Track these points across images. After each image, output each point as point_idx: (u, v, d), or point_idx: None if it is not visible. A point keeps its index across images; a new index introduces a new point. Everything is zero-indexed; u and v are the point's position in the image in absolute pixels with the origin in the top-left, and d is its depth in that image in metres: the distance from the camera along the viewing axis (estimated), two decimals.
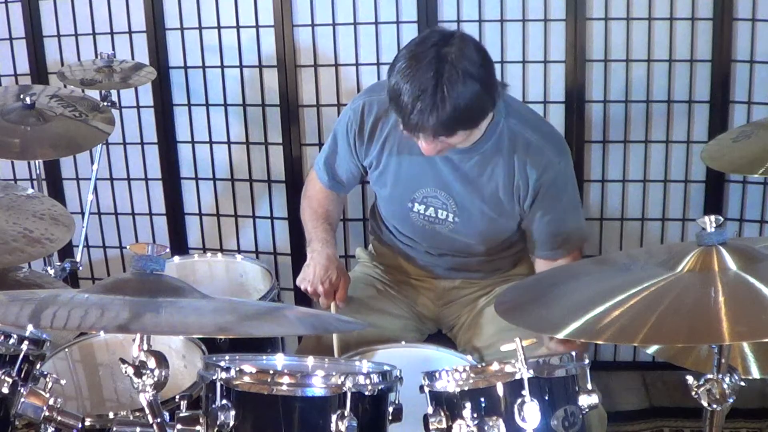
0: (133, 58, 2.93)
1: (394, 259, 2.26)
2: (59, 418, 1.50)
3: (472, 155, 1.96)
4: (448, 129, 1.78)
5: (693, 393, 1.30)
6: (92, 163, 2.70)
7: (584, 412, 1.47)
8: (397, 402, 1.51)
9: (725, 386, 1.27)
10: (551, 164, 1.95)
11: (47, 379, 1.56)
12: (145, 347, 1.31)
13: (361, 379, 1.42)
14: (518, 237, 2.13)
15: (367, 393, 1.43)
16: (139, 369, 1.31)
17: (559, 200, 2.00)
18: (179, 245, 3.15)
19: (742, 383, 1.29)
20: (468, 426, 1.42)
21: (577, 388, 1.47)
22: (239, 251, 3.12)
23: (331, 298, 2.07)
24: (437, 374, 1.48)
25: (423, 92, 1.72)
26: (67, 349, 2.03)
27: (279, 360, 1.61)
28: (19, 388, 1.49)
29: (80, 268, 2.59)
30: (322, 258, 2.10)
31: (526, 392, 1.39)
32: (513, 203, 2.00)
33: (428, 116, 1.73)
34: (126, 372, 1.32)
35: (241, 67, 2.95)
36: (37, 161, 2.59)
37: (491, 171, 1.97)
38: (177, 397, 1.54)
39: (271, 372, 1.41)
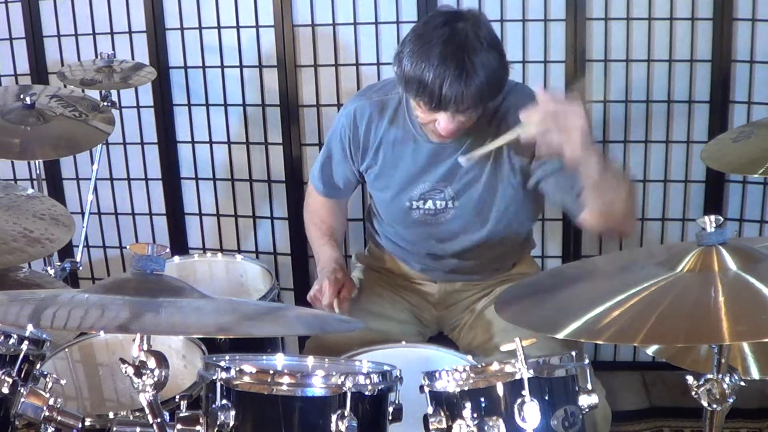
0: (133, 58, 2.94)
1: (392, 262, 2.26)
2: (59, 418, 1.50)
3: (462, 142, 1.95)
4: (481, 98, 1.76)
5: (693, 393, 1.30)
6: (92, 163, 2.70)
7: (584, 412, 1.47)
8: (397, 402, 1.50)
9: (725, 386, 1.27)
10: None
11: (47, 379, 1.56)
12: (145, 347, 1.31)
13: (361, 379, 1.42)
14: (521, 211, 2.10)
15: (367, 393, 1.43)
16: (139, 369, 1.30)
17: None
18: (179, 245, 3.15)
19: (742, 383, 1.29)
20: (468, 426, 1.42)
21: (577, 388, 1.47)
22: (239, 251, 3.12)
23: (334, 293, 2.04)
24: (437, 374, 1.47)
25: (447, 67, 1.70)
26: (67, 349, 2.03)
27: (279, 360, 1.60)
28: (19, 388, 1.49)
29: (80, 268, 2.59)
30: (330, 263, 2.12)
31: (526, 392, 1.39)
32: (516, 163, 1.97)
33: (462, 86, 1.71)
34: (126, 372, 1.32)
35: (241, 67, 2.95)
36: (37, 161, 2.60)
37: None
38: (177, 397, 1.53)
39: (271, 372, 1.41)
